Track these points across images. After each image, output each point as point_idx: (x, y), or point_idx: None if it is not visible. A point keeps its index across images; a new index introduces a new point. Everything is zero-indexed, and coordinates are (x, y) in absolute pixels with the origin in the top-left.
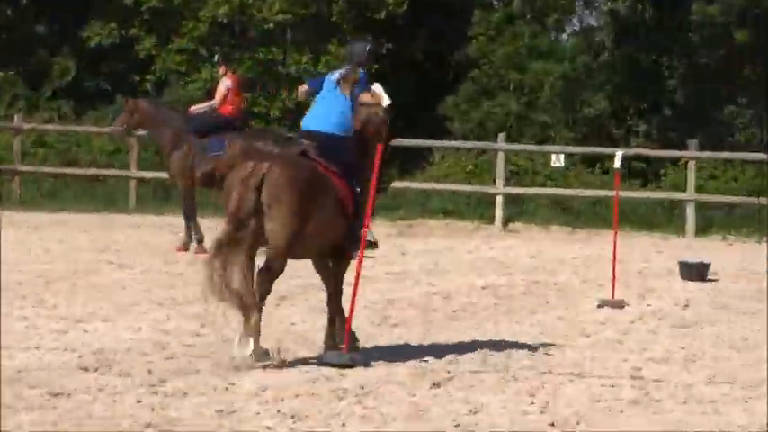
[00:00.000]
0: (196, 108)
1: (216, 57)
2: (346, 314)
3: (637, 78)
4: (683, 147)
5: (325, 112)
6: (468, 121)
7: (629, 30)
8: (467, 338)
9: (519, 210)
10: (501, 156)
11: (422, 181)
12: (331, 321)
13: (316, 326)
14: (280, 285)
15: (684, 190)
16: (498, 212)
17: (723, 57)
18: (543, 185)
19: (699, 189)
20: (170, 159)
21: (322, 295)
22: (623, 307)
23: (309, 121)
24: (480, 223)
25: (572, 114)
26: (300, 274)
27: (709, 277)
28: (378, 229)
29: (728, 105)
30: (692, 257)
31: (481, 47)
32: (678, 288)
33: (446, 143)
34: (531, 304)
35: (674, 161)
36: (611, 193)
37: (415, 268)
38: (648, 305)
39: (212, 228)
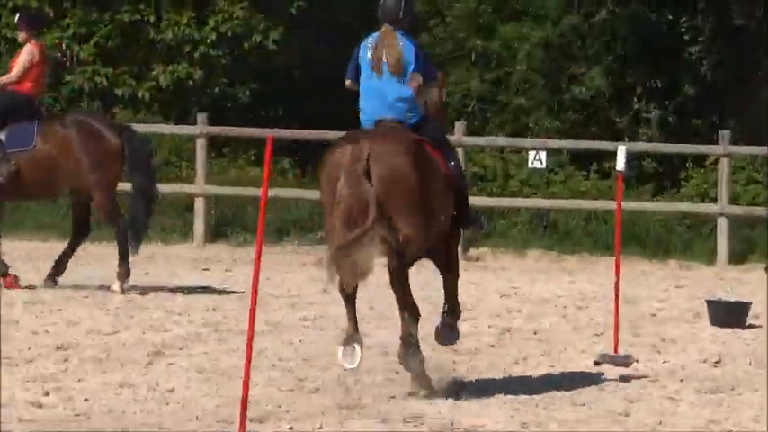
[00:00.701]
0: None
1: (16, 17)
2: (241, 376)
3: (647, 46)
4: (712, 140)
5: (381, 104)
6: None
7: None
8: (414, 410)
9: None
10: (460, 153)
11: None
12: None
13: (201, 391)
14: (154, 336)
15: (714, 200)
16: None
17: (766, 15)
18: (518, 194)
19: (734, 199)
20: None
21: (210, 348)
22: (631, 364)
23: (367, 120)
24: None
25: (557, 96)
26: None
27: (749, 322)
28: (288, 256)
29: None
30: (726, 294)
31: (431, 1)
32: (707, 337)
33: None
34: (504, 361)
35: (700, 160)
36: (613, 205)
37: (340, 312)
38: (665, 362)
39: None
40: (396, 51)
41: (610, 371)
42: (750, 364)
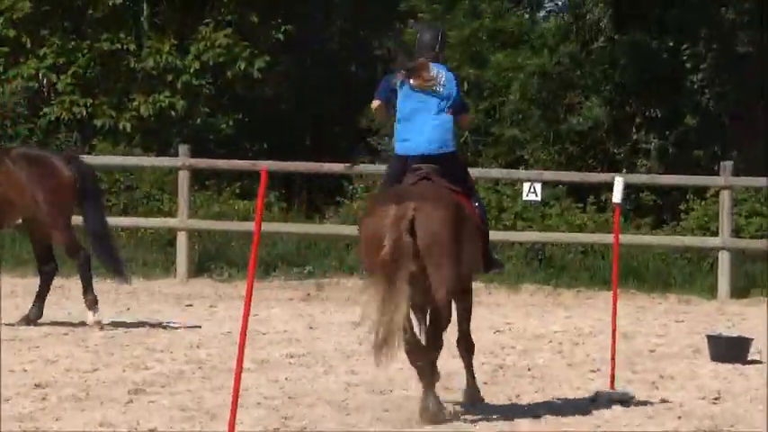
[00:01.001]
0: None
1: None
2: (226, 415)
3: (646, 74)
4: (713, 171)
5: (420, 130)
6: None
7: (635, 4)
8: None
9: None
10: None
11: (337, 222)
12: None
13: (184, 431)
14: (135, 374)
15: (715, 233)
16: None
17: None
18: (512, 227)
19: (736, 232)
20: None
21: (194, 386)
22: (628, 402)
23: (406, 146)
24: None
25: (554, 127)
26: (163, 358)
27: (750, 358)
28: (275, 291)
29: None
30: (727, 330)
31: None
32: (706, 374)
33: (371, 168)
34: (498, 398)
35: (700, 192)
36: (610, 239)
37: (328, 348)
38: (663, 399)
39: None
40: (434, 82)
41: (606, 408)
42: (750, 401)
